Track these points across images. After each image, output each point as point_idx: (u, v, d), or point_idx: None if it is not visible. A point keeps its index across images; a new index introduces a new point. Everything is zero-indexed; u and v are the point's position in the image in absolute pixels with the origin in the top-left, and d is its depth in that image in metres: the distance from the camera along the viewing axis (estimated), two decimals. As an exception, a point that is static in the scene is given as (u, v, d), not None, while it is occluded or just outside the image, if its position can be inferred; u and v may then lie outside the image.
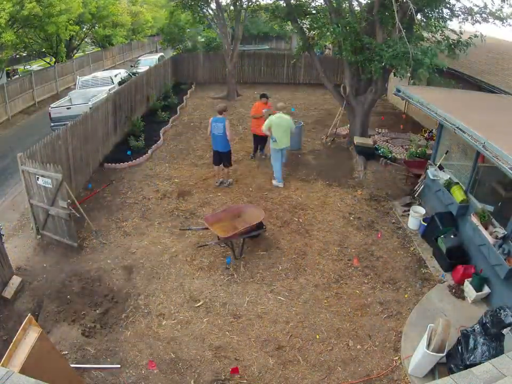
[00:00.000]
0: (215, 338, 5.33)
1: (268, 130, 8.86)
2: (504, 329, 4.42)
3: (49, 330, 5.36)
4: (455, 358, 4.55)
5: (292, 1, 11.58)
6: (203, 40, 22.39)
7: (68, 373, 4.08)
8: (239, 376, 4.80)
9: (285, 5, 11.66)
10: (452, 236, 6.39)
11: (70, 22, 18.80)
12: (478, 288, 5.65)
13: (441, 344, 4.36)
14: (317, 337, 5.34)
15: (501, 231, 5.48)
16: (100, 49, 29.05)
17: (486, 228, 5.67)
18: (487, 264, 5.62)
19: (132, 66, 22.10)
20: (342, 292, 6.13)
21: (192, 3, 16.56)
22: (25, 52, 22.27)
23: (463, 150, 7.06)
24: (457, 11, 10.18)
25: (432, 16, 10.32)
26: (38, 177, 6.92)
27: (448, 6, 10.10)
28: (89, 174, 9.95)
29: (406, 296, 6.00)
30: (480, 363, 2.80)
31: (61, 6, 16.37)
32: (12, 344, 3.40)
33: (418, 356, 4.56)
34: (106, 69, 24.11)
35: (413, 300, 5.90)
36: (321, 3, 12.06)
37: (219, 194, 9.07)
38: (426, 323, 4.87)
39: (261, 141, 10.64)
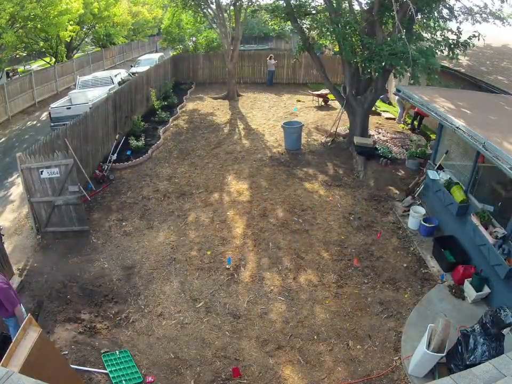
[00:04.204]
0: (215, 338, 5.32)
1: None
2: (504, 329, 4.42)
3: (49, 330, 5.36)
4: (455, 358, 4.55)
5: (292, 1, 11.58)
6: (203, 40, 22.36)
7: (67, 373, 4.08)
8: (239, 376, 4.80)
9: (285, 5, 11.66)
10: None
11: (70, 22, 18.78)
12: (478, 288, 5.65)
13: (441, 344, 4.36)
14: (316, 337, 5.34)
15: (501, 231, 5.47)
16: (100, 49, 29.03)
17: (486, 228, 5.67)
18: (487, 264, 5.62)
19: (132, 66, 22.08)
20: (342, 291, 6.12)
21: (193, 3, 16.58)
22: (25, 52, 22.24)
23: (463, 150, 7.06)
24: (457, 11, 10.19)
25: (432, 16, 10.32)
26: (42, 171, 6.97)
27: (448, 6, 10.10)
28: (89, 174, 9.94)
29: (406, 296, 6.00)
30: (480, 363, 2.80)
31: (61, 6, 16.36)
32: (11, 344, 3.41)
33: (418, 356, 4.56)
34: (106, 69, 24.10)
35: (413, 299, 5.90)
36: (321, 3, 12.07)
37: (219, 193, 9.06)
38: (426, 323, 4.86)
39: None
